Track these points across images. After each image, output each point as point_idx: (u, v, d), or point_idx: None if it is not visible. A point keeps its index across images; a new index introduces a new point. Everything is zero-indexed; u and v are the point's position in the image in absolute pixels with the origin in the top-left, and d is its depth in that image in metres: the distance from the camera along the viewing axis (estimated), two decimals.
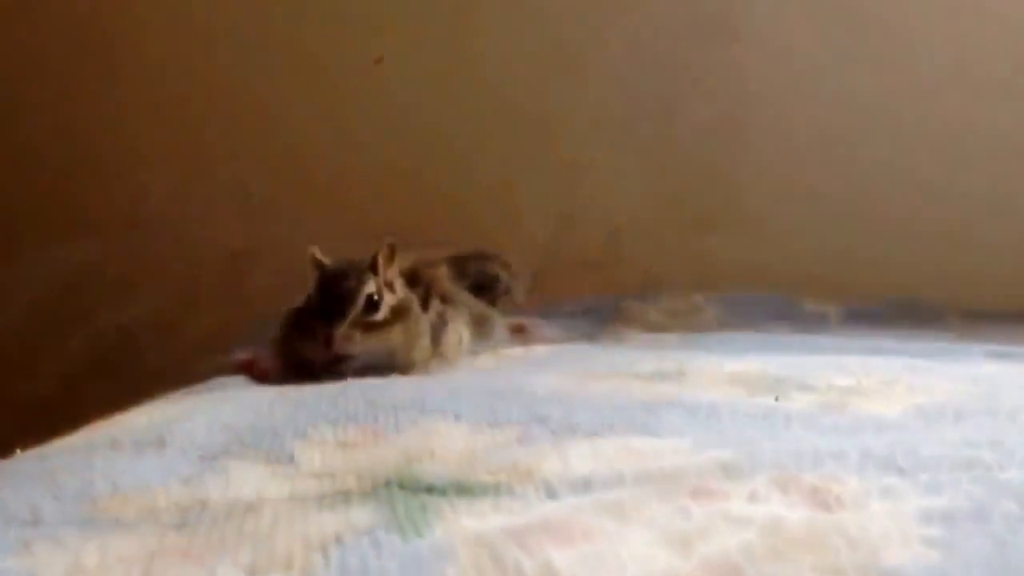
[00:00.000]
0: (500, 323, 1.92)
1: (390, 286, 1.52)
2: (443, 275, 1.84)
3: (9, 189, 3.09)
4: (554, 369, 1.40)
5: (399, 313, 1.52)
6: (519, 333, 1.99)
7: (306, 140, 3.03)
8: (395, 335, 1.50)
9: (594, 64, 3.02)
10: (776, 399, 1.17)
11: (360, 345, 1.44)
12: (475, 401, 1.10)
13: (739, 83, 3.01)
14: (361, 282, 1.49)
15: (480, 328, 1.82)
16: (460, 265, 1.94)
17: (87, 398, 2.37)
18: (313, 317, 1.46)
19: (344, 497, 0.80)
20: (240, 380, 1.56)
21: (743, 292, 2.60)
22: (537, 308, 2.38)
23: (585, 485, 0.82)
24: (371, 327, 1.47)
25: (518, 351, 1.76)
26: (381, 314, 1.49)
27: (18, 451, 1.05)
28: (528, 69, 3.02)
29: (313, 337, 1.45)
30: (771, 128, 3.01)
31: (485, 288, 1.97)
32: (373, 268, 1.51)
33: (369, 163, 3.01)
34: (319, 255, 1.54)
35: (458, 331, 1.71)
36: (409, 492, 0.81)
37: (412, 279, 1.69)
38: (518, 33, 3.04)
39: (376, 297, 1.48)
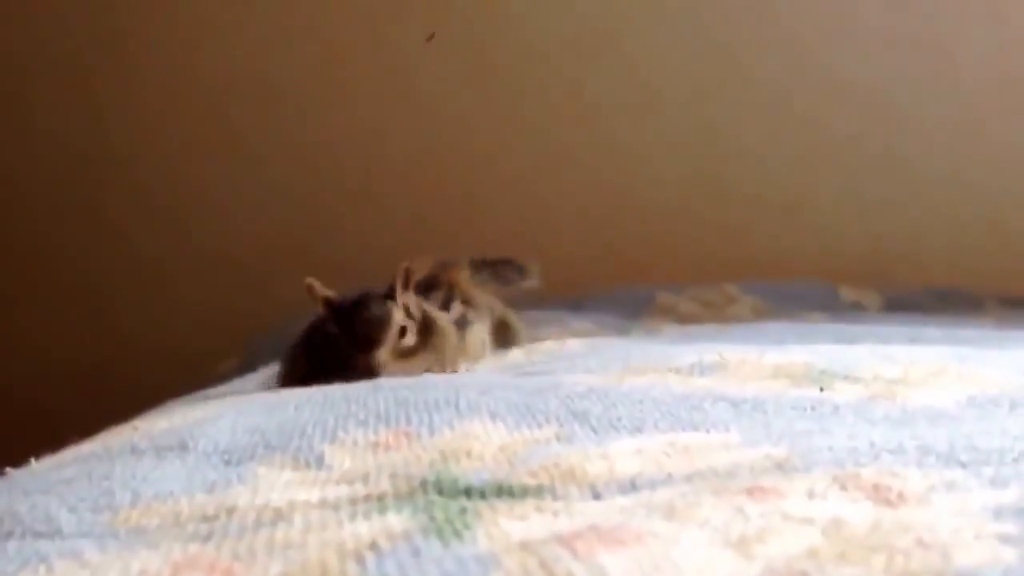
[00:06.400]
0: (524, 332, 1.88)
1: (407, 311, 1.47)
2: (465, 277, 1.80)
3: (31, 185, 3.08)
4: (589, 364, 1.37)
5: (424, 337, 1.47)
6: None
7: (333, 135, 3.02)
8: (424, 362, 1.45)
9: (630, 45, 3.00)
10: (821, 390, 1.13)
11: (398, 373, 1.39)
12: (510, 399, 1.07)
13: (777, 67, 2.99)
14: (388, 310, 1.43)
15: (503, 335, 1.78)
16: (479, 267, 1.91)
17: (105, 399, 2.37)
18: (341, 347, 1.41)
19: (379, 501, 0.77)
20: (262, 381, 1.53)
21: (779, 280, 2.57)
22: (566, 300, 2.35)
23: (632, 485, 0.79)
24: (403, 354, 1.43)
25: (550, 345, 1.72)
26: (411, 340, 1.45)
27: (32, 460, 1.02)
28: (563, 53, 3.00)
29: (346, 367, 1.38)
30: (809, 116, 2.99)
31: (500, 277, 1.93)
32: (390, 296, 1.46)
33: (396, 154, 2.99)
34: (321, 288, 1.47)
35: (479, 334, 1.67)
36: (447, 495, 0.78)
37: (432, 282, 1.66)
38: (551, 17, 3.01)
39: (403, 324, 1.44)
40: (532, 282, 1.98)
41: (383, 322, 1.42)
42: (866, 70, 2.98)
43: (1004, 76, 2.99)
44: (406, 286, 1.48)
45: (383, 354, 1.40)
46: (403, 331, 1.44)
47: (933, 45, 2.99)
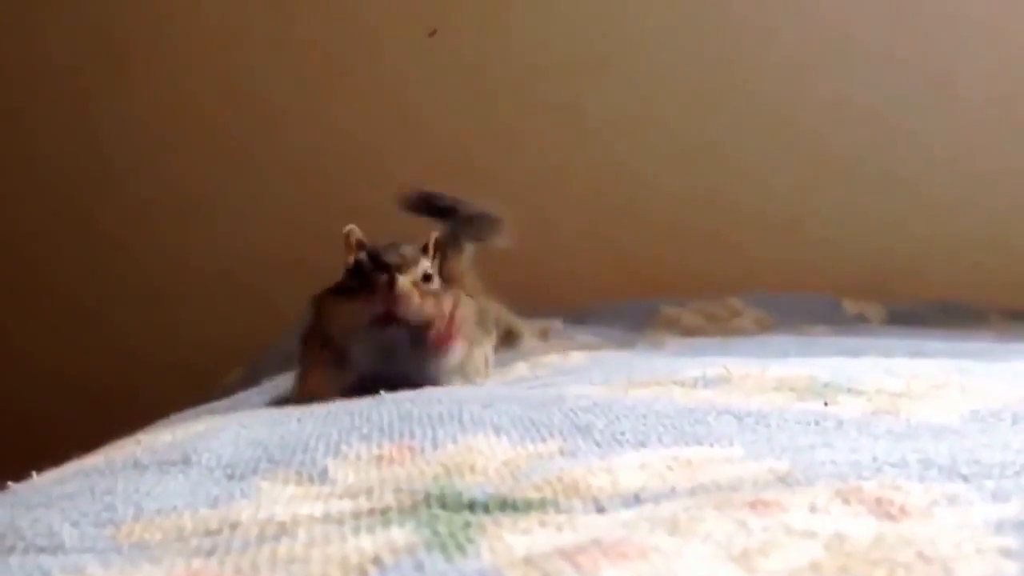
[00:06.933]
0: (527, 333, 1.85)
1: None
2: (469, 276, 1.76)
3: (30, 201, 3.08)
4: (593, 377, 1.37)
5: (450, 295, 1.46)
6: (545, 338, 1.93)
7: (334, 150, 3.01)
8: (444, 302, 1.43)
9: (632, 61, 3.00)
10: (825, 404, 1.13)
11: (418, 308, 1.37)
12: (514, 413, 1.06)
13: (779, 83, 2.99)
14: (418, 253, 1.43)
15: (508, 342, 1.76)
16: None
17: (107, 412, 2.37)
18: (367, 273, 1.39)
19: (382, 516, 0.77)
20: (265, 394, 1.53)
21: (783, 293, 2.57)
22: (570, 313, 2.35)
23: (635, 498, 0.79)
24: (425, 293, 1.40)
25: (554, 358, 1.72)
26: (436, 285, 1.42)
27: (34, 474, 1.01)
28: (562, 67, 3.00)
29: (368, 291, 1.37)
30: (811, 132, 2.99)
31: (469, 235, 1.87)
32: (423, 252, 1.45)
33: (397, 170, 2.99)
34: (360, 235, 1.46)
35: (484, 353, 1.64)
36: (450, 509, 0.77)
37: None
38: (552, 33, 3.02)
39: (430, 272, 1.42)
40: (504, 240, 1.88)
41: (410, 257, 1.41)
42: (868, 86, 2.98)
43: (1002, 93, 2.99)
44: (433, 255, 1.46)
45: (405, 280, 1.37)
46: (427, 277, 1.41)
47: (933, 63, 2.99)
